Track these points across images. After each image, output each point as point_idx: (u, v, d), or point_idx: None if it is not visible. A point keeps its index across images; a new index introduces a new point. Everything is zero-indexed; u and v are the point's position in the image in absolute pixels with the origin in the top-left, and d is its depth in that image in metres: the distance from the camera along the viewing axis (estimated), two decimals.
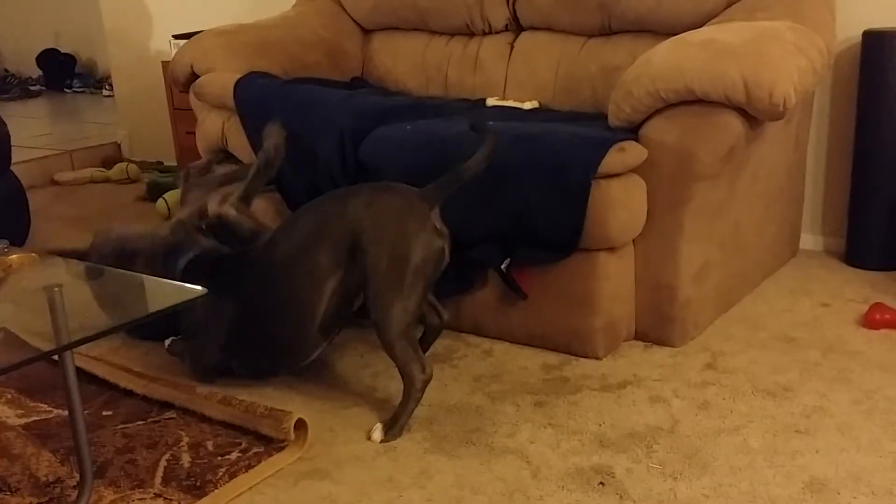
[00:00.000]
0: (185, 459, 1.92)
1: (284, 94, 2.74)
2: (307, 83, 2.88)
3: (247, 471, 1.86)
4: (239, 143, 2.88)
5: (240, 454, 1.93)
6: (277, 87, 2.79)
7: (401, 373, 2.00)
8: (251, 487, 1.83)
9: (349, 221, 2.01)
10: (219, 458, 1.92)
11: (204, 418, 2.06)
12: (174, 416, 2.10)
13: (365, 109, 2.61)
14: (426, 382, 2.01)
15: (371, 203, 2.02)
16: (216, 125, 2.95)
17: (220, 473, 1.86)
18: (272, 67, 3.06)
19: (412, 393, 2.00)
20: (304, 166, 2.60)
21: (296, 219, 2.13)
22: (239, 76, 2.87)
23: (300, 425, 1.97)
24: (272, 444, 1.95)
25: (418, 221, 2.00)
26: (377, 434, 1.98)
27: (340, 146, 2.54)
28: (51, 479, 1.86)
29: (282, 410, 2.00)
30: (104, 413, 2.14)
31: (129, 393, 2.21)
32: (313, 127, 2.60)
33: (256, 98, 2.79)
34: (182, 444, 1.98)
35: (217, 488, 1.81)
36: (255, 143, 2.77)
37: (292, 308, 2.08)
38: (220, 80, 2.92)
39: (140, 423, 2.08)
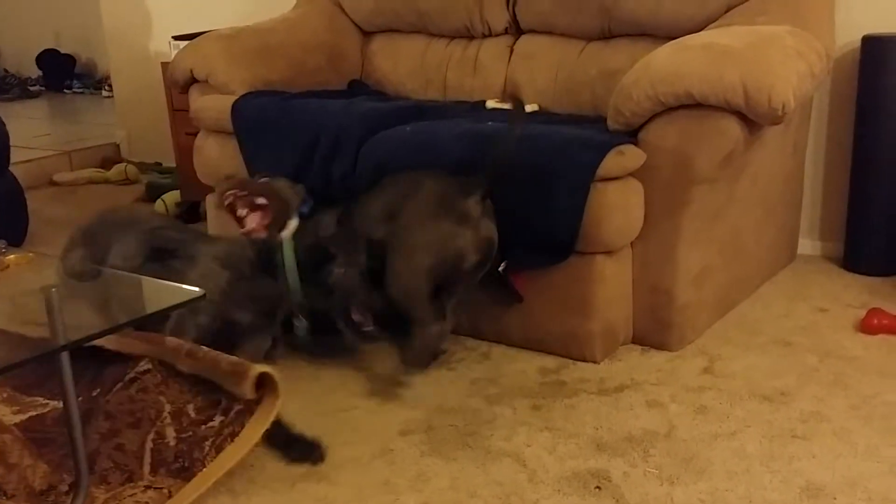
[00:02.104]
0: (170, 435, 1.88)
1: (282, 111, 2.74)
2: (305, 97, 2.87)
3: (232, 439, 1.84)
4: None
5: (222, 417, 1.89)
6: (275, 105, 2.78)
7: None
8: (247, 489, 1.82)
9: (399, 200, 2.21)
10: (203, 426, 1.88)
11: (178, 373, 2.00)
12: (150, 368, 2.01)
13: (364, 115, 2.60)
14: (441, 335, 2.20)
15: (415, 187, 2.21)
16: (214, 149, 2.95)
17: (207, 448, 1.83)
18: (272, 73, 3.06)
19: (422, 337, 2.16)
20: (304, 173, 2.59)
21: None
22: (235, 98, 2.87)
23: (267, 381, 1.90)
24: (250, 399, 1.90)
25: (443, 206, 2.13)
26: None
27: (341, 153, 2.53)
28: (44, 488, 1.85)
29: (243, 364, 1.92)
30: (94, 394, 2.05)
31: (108, 358, 2.11)
32: (312, 137, 2.60)
33: (254, 119, 2.79)
34: (164, 413, 1.92)
35: (205, 466, 1.80)
36: (253, 165, 2.78)
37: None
38: (218, 103, 2.90)
39: (119, 386, 2.01)
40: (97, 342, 2.16)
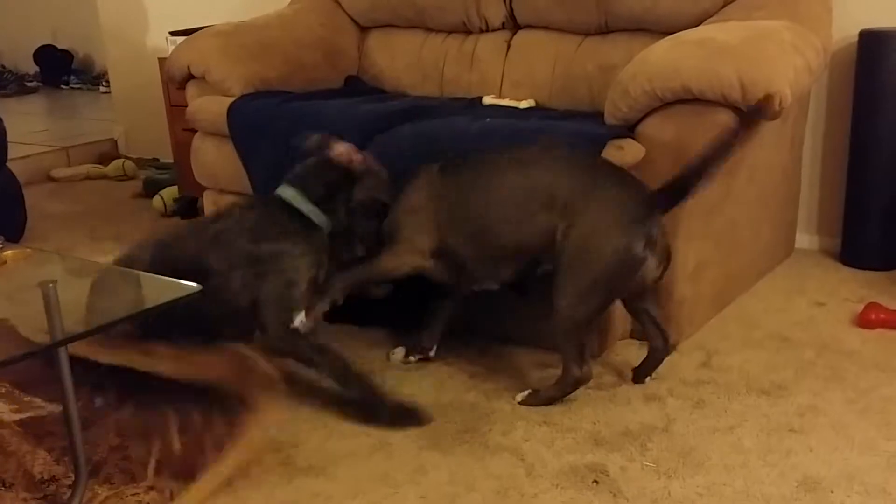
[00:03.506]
0: (176, 444, 1.89)
1: (279, 114, 2.73)
2: (302, 99, 2.86)
3: (231, 440, 1.85)
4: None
5: (226, 424, 1.90)
6: (272, 108, 2.77)
7: (562, 365, 2.04)
8: (245, 485, 1.82)
9: (559, 190, 1.98)
10: (206, 433, 1.90)
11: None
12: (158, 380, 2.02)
13: (362, 119, 2.60)
14: (580, 382, 2.04)
15: (591, 186, 1.98)
16: (212, 151, 2.95)
17: (209, 453, 1.84)
18: (269, 69, 3.05)
19: (562, 384, 2.05)
20: None
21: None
22: (232, 100, 2.86)
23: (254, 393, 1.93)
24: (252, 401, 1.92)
25: (628, 223, 1.95)
26: (520, 396, 2.10)
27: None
28: (45, 477, 1.86)
29: (243, 359, 1.97)
30: (96, 402, 2.08)
31: (113, 370, 2.15)
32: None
33: (250, 123, 2.78)
34: (171, 424, 1.94)
35: (207, 471, 1.80)
36: (249, 167, 2.78)
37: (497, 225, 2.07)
38: (214, 105, 2.91)
39: (130, 405, 2.02)
40: (92, 356, 2.18)
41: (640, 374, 2.18)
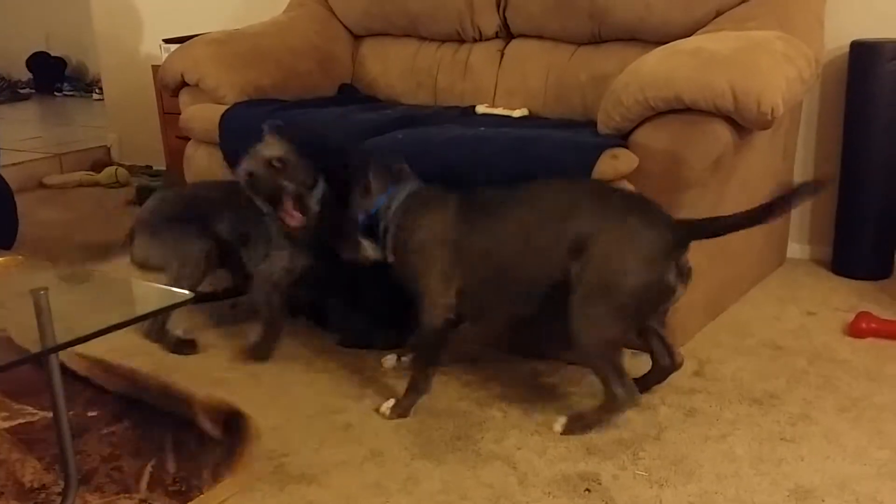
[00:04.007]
0: (171, 464, 1.91)
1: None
2: (295, 107, 2.85)
3: (229, 469, 1.85)
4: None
5: (222, 450, 1.91)
6: (264, 118, 2.76)
7: (604, 388, 1.97)
8: (236, 493, 1.82)
9: (583, 223, 1.94)
10: (202, 456, 1.90)
11: (185, 402, 2.05)
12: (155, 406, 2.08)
13: (357, 127, 2.59)
14: (628, 404, 1.98)
15: (615, 218, 1.94)
16: (205, 159, 2.94)
17: (205, 477, 1.85)
18: (262, 77, 3.06)
19: (610, 407, 1.97)
20: None
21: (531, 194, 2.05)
22: (224, 109, 2.86)
23: (238, 421, 1.97)
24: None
25: (659, 255, 1.91)
26: (558, 426, 2.00)
27: (332, 167, 2.53)
28: (35, 486, 1.85)
29: (218, 405, 2.02)
30: (89, 414, 2.12)
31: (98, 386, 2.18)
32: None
33: (242, 132, 2.76)
34: (166, 444, 1.96)
35: (201, 493, 1.80)
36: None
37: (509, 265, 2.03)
38: (207, 113, 2.90)
39: (126, 422, 2.06)
40: (85, 373, 2.20)
41: (639, 387, 2.13)
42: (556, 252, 1.96)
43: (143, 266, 2.61)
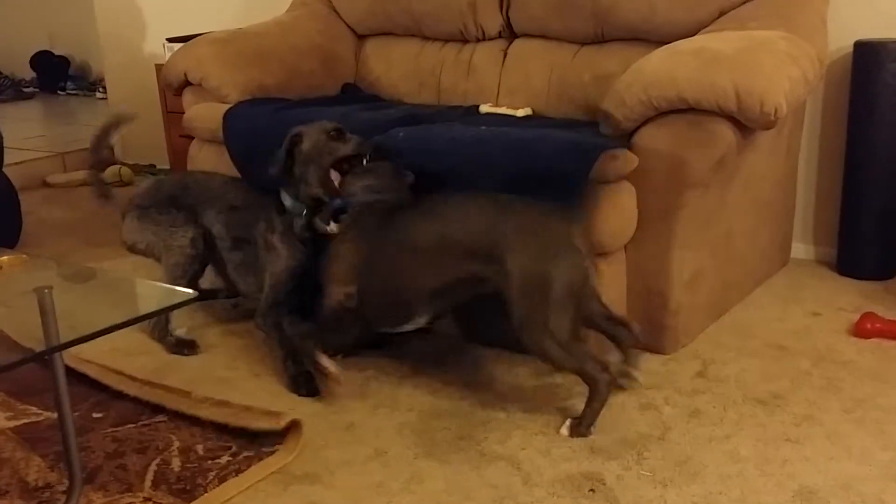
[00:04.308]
0: (175, 464, 1.91)
1: (275, 121, 2.73)
2: (298, 106, 2.85)
3: (237, 474, 1.86)
4: None
5: (230, 458, 1.92)
6: (268, 116, 2.78)
7: (582, 379, 2.00)
8: (241, 492, 1.82)
9: (489, 227, 2.00)
10: (209, 461, 1.91)
11: (195, 422, 2.06)
12: (165, 419, 2.10)
13: (360, 127, 2.59)
14: (610, 382, 2.00)
15: (510, 215, 2.01)
16: (209, 159, 2.95)
17: (210, 477, 1.85)
18: (266, 77, 3.06)
19: (596, 394, 2.00)
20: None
21: (437, 204, 2.14)
22: (227, 107, 2.87)
23: (295, 428, 1.97)
24: (263, 449, 1.95)
25: (560, 240, 1.97)
26: (564, 430, 2.01)
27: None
28: (40, 484, 1.86)
29: (279, 412, 2.01)
30: (94, 415, 2.13)
31: (119, 395, 2.21)
32: None
33: (245, 130, 2.78)
34: (172, 448, 1.97)
35: (206, 492, 1.81)
36: (245, 176, 2.78)
37: (410, 274, 2.10)
38: (210, 113, 2.91)
39: (131, 426, 2.08)
40: (108, 382, 2.21)
41: (626, 372, 2.17)
42: (460, 264, 2.03)
43: (132, 249, 2.63)
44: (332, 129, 2.37)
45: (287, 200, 2.42)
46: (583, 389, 2.18)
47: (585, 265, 2.00)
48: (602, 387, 1.99)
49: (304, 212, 2.38)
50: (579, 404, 2.11)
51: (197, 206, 2.56)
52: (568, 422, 2.02)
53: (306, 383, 2.22)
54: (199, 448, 1.97)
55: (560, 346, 1.96)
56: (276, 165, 2.37)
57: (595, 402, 2.00)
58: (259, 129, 2.75)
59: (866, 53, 2.71)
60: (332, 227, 2.26)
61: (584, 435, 1.99)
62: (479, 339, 2.45)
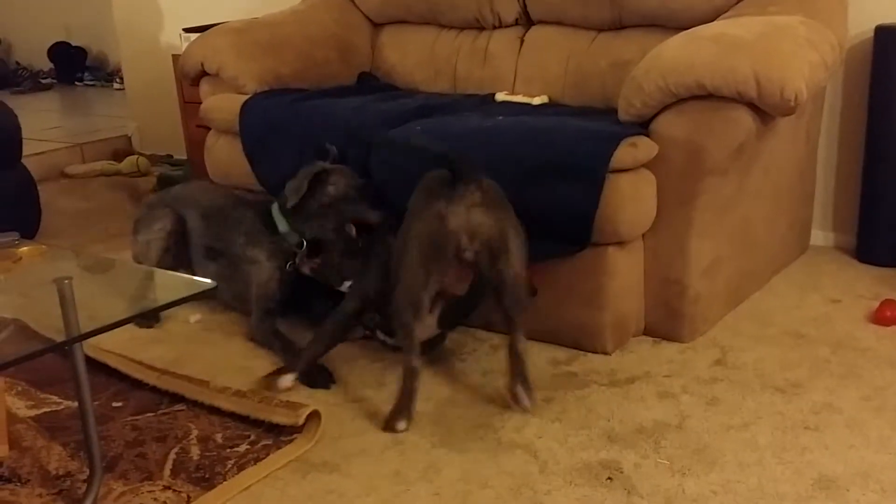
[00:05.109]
0: (195, 452, 1.93)
1: (292, 114, 2.73)
2: (314, 98, 2.85)
3: (255, 463, 1.87)
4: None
5: (248, 446, 1.94)
6: (284, 108, 2.77)
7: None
8: (259, 480, 1.83)
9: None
10: (228, 450, 1.93)
11: (214, 411, 2.07)
12: (184, 408, 2.11)
13: (376, 118, 2.59)
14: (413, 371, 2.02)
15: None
16: (225, 149, 2.96)
17: (229, 465, 1.87)
18: (282, 66, 3.06)
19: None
20: None
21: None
22: (245, 98, 2.88)
23: (313, 417, 1.98)
24: (281, 437, 1.96)
25: (434, 192, 1.98)
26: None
27: (351, 158, 2.53)
28: (61, 473, 1.88)
29: (297, 403, 2.02)
30: (114, 405, 2.15)
31: (138, 384, 2.22)
32: (321, 143, 2.60)
33: (261, 122, 2.79)
34: (191, 436, 1.99)
35: (226, 480, 1.82)
36: (258, 166, 2.79)
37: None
38: (227, 104, 2.92)
39: (150, 414, 2.09)
40: (128, 371, 2.22)
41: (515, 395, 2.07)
42: None
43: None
44: (362, 185, 2.43)
45: (281, 224, 2.45)
46: (597, 378, 2.18)
47: (450, 225, 1.93)
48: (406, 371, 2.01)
49: (304, 246, 2.43)
50: (595, 393, 2.11)
51: (182, 205, 2.67)
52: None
53: (319, 376, 2.22)
54: (218, 436, 1.98)
55: (397, 313, 2.00)
56: (295, 196, 2.39)
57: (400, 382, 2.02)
58: (274, 122, 2.76)
59: (887, 38, 2.68)
60: (306, 269, 2.40)
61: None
62: (496, 328, 2.44)
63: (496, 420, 2.02)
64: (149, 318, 2.54)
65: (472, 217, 1.94)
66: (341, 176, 2.43)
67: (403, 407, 2.00)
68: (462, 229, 1.94)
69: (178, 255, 2.62)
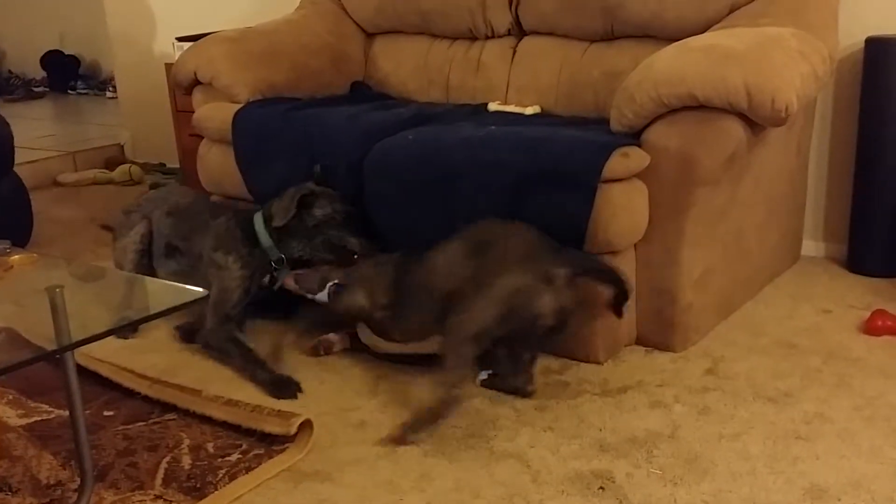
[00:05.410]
0: (186, 461, 1.92)
1: (284, 124, 2.74)
2: (307, 108, 2.86)
3: (247, 472, 1.87)
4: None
5: (240, 455, 1.93)
6: (277, 118, 2.78)
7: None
8: (251, 489, 1.83)
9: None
10: (219, 459, 1.92)
11: (205, 420, 2.07)
12: (175, 417, 2.11)
13: (368, 129, 2.60)
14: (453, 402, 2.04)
15: (504, 237, 2.15)
16: (218, 158, 2.96)
17: (221, 475, 1.86)
18: (275, 75, 3.06)
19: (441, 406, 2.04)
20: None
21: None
22: (237, 108, 2.88)
23: (305, 426, 1.97)
24: (273, 447, 1.96)
25: (530, 262, 2.05)
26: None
27: (342, 168, 2.53)
28: (52, 482, 1.87)
29: (290, 412, 2.01)
30: (105, 413, 2.14)
31: (130, 393, 2.22)
32: (311, 153, 2.61)
33: (254, 132, 2.79)
34: (183, 445, 1.98)
35: (217, 489, 1.81)
36: (249, 177, 2.79)
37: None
38: (220, 113, 2.92)
39: (141, 423, 2.09)
40: (119, 380, 2.21)
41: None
42: None
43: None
44: (347, 211, 2.46)
45: (264, 238, 2.46)
46: (589, 388, 2.18)
47: (539, 304, 2.01)
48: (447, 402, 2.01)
49: (283, 262, 2.46)
50: (587, 402, 2.11)
51: (153, 208, 2.69)
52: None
53: (286, 386, 2.22)
54: (210, 446, 1.97)
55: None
56: (284, 217, 2.41)
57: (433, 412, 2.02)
58: (267, 132, 2.76)
59: (877, 50, 2.69)
60: (291, 284, 2.45)
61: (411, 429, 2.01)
62: None
63: (489, 429, 2.02)
64: (126, 329, 2.48)
65: (561, 300, 2.04)
66: (328, 200, 2.45)
67: (425, 427, 1.99)
68: (552, 313, 2.04)
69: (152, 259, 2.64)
